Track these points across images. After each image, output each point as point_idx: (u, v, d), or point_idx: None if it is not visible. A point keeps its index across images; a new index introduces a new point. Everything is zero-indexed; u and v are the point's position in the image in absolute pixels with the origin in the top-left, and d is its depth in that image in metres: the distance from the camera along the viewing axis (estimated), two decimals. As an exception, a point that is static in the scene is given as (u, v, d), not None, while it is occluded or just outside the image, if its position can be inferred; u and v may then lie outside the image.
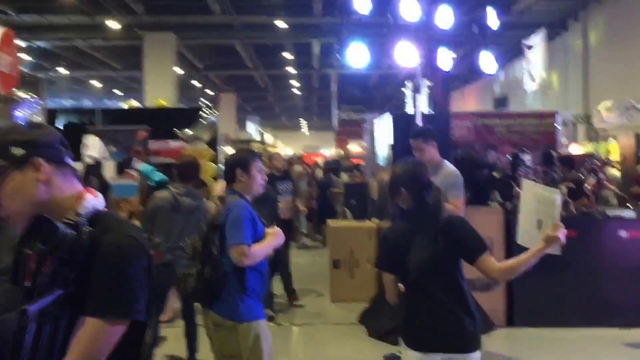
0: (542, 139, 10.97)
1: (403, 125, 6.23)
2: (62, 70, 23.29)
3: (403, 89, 26.44)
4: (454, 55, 6.68)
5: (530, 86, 18.15)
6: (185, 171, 5.46)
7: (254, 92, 32.48)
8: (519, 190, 5.37)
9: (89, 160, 8.94)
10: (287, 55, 22.44)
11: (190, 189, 5.38)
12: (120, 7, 16.01)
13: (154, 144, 10.03)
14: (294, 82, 29.73)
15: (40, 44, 19.18)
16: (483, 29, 6.70)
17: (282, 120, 46.40)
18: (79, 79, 25.77)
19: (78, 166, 8.29)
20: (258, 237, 3.48)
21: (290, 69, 25.14)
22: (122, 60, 22.43)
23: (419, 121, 6.13)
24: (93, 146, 9.10)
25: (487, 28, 6.71)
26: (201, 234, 3.59)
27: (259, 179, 3.63)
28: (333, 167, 13.76)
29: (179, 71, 20.26)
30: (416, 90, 6.40)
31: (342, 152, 23.37)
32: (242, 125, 34.48)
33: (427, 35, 6.33)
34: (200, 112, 10.60)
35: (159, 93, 16.16)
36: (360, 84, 29.51)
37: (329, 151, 32.65)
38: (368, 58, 6.56)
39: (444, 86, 9.32)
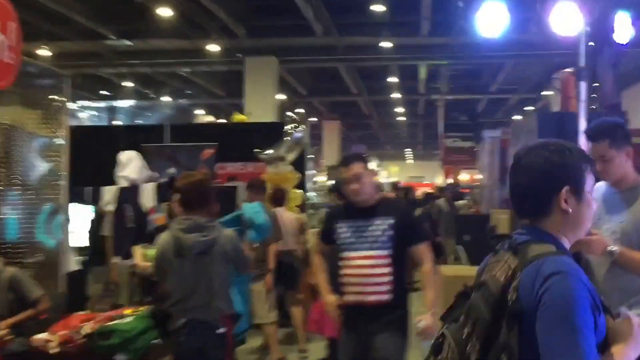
0: None
1: (555, 127, 4.94)
2: (165, 98, 23.23)
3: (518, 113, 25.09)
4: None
5: None
6: (189, 196, 4.13)
7: (357, 120, 31.71)
8: None
9: (123, 183, 7.33)
10: (392, 79, 21.50)
11: (198, 220, 4.07)
12: (221, 29, 15.53)
13: (226, 166, 8.95)
14: (398, 110, 28.76)
15: (141, 69, 19.00)
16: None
17: (387, 149, 45.47)
18: (183, 107, 25.70)
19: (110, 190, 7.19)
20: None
21: (395, 95, 24.17)
22: (224, 87, 22.11)
23: (582, 121, 4.75)
24: (129, 164, 7.46)
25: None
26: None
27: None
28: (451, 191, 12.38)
29: (281, 97, 19.70)
30: (579, 75, 4.97)
31: (450, 182, 22.06)
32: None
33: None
34: (286, 128, 8.58)
35: (262, 120, 15.50)
36: (468, 109, 28.40)
37: (437, 181, 31.45)
38: (507, 23, 5.10)
39: (615, 70, 6.84)
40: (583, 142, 3.67)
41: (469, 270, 6.32)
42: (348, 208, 4.16)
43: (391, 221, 4.00)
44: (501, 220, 7.29)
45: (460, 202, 11.69)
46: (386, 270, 3.97)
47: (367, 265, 3.98)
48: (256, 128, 10.33)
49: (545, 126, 4.21)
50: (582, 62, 4.67)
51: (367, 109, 28.03)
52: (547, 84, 21.78)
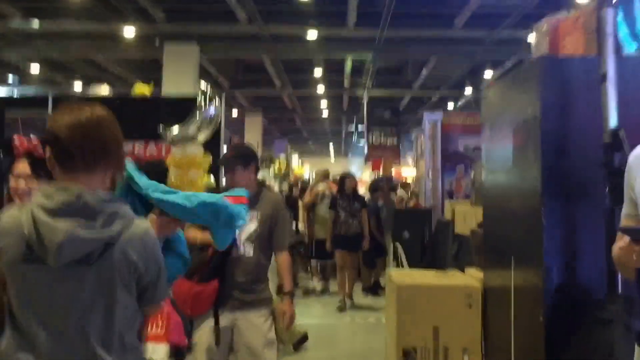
0: None
1: (566, 77, 3.75)
2: (77, 86, 22.04)
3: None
4: None
5: None
6: (70, 143, 2.14)
7: (281, 114, 31.14)
8: None
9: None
10: (317, 73, 21.01)
11: (82, 193, 2.12)
12: (137, 12, 14.63)
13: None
14: (323, 104, 28.31)
15: (49, 53, 17.83)
16: None
17: (310, 144, 45.07)
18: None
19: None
20: None
21: (320, 88, 23.70)
22: (141, 75, 21.13)
23: (611, 66, 3.56)
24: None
25: None
26: None
27: None
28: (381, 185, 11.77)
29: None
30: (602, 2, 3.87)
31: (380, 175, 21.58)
32: (268, 149, 33.10)
33: None
34: (197, 102, 6.70)
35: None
36: (391, 106, 28.27)
37: (364, 175, 31.22)
38: None
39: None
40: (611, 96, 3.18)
41: (423, 277, 5.52)
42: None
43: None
44: (460, 213, 6.63)
45: (397, 194, 11.25)
46: None
47: None
48: (162, 102, 8.67)
49: (553, 76, 3.48)
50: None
51: (290, 102, 27.49)
52: (467, 82, 21.93)
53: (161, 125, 6.43)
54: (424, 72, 20.41)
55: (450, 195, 9.08)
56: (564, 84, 3.52)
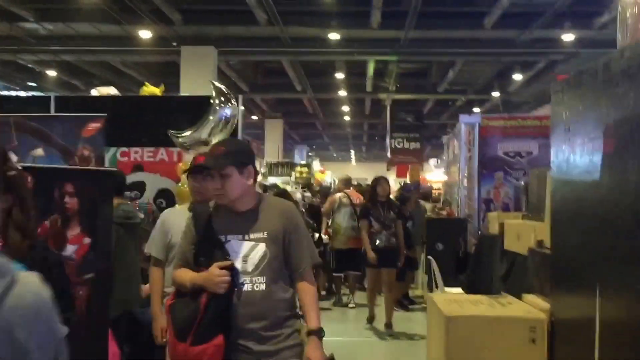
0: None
1: None
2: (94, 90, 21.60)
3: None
4: None
5: None
6: None
7: (301, 118, 30.59)
8: None
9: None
10: (339, 75, 20.43)
11: None
12: (154, 14, 14.14)
13: (131, 152, 6.79)
14: (344, 108, 27.71)
15: (64, 57, 17.40)
16: None
17: (330, 149, 44.54)
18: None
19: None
20: None
21: (342, 93, 23.10)
22: (158, 79, 20.66)
23: None
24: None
25: None
26: None
27: None
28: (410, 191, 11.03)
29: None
30: None
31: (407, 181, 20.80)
32: (289, 155, 32.59)
33: None
34: (211, 102, 5.84)
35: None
36: (414, 110, 27.65)
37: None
38: None
39: None
40: None
41: (475, 305, 4.50)
42: None
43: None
44: (512, 228, 5.76)
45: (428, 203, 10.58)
46: None
47: None
48: (173, 103, 7.83)
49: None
50: None
51: (312, 107, 26.94)
52: (495, 85, 21.21)
53: (170, 130, 5.75)
54: (450, 74, 19.75)
55: (487, 204, 8.40)
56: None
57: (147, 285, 4.65)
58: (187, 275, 3.17)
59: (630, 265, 2.84)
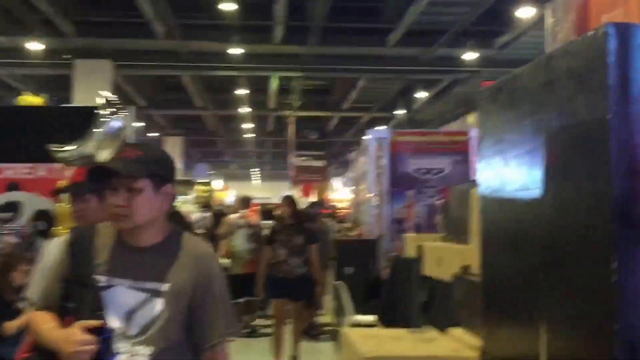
0: None
1: None
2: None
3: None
4: None
5: None
6: None
7: (203, 136, 29.93)
8: None
9: None
10: (241, 91, 19.99)
11: None
12: (45, 25, 13.31)
13: (5, 168, 5.98)
14: (247, 126, 27.23)
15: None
16: None
17: (232, 168, 43.90)
18: None
19: None
20: None
21: (245, 109, 22.64)
22: (49, 94, 19.59)
23: None
24: None
25: None
26: None
27: None
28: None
29: (117, 107, 17.56)
30: None
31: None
32: (189, 174, 31.76)
33: None
34: (98, 113, 5.19)
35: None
36: (318, 127, 27.55)
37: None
38: None
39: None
40: None
41: (395, 341, 4.00)
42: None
43: None
44: (433, 251, 5.21)
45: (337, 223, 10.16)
46: None
47: None
48: (55, 115, 6.84)
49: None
50: None
51: (213, 124, 26.33)
52: (399, 103, 21.31)
53: (50, 145, 5.05)
54: (354, 92, 19.66)
55: (399, 224, 8.04)
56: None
57: (15, 322, 4.01)
58: (44, 325, 2.22)
59: (581, 295, 2.47)
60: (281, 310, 7.88)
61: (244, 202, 10.58)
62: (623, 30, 2.29)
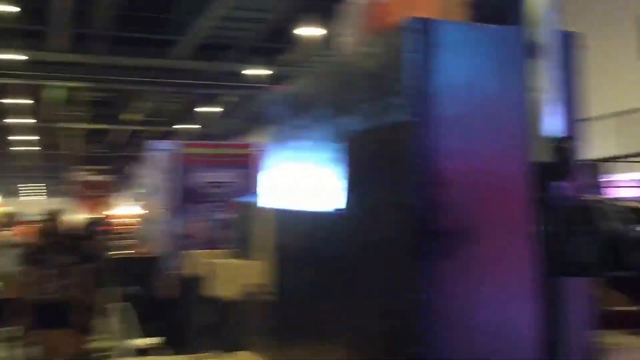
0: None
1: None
2: None
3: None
4: None
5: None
6: None
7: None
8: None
9: None
10: (23, 101, 18.63)
11: None
12: None
13: None
14: (18, 137, 25.44)
15: None
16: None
17: (15, 183, 40.87)
18: None
19: None
20: None
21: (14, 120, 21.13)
22: None
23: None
24: None
25: None
26: None
27: None
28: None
29: None
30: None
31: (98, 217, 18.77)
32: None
33: None
34: None
35: None
36: (104, 141, 26.42)
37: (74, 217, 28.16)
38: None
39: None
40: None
41: None
42: None
43: None
44: (222, 269, 4.76)
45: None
46: None
47: None
48: None
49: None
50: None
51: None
52: (187, 118, 21.04)
53: None
54: (143, 104, 19.09)
55: (186, 241, 7.62)
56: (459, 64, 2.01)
57: None
58: None
59: (381, 314, 2.30)
60: (49, 342, 6.82)
61: (11, 218, 9.74)
62: (422, 26, 2.05)
